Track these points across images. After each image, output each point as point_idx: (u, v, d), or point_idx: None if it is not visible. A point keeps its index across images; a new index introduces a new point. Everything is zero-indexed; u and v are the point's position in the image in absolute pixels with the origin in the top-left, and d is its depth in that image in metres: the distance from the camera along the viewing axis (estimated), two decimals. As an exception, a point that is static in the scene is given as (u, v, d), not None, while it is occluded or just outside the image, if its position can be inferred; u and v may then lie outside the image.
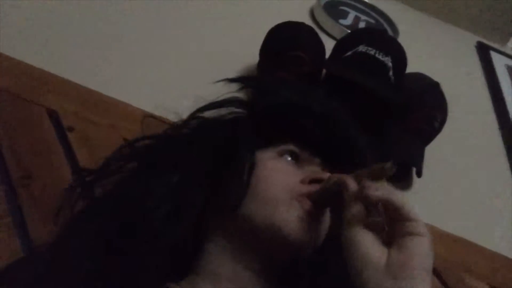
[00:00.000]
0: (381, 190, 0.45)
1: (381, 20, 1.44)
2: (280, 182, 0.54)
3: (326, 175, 0.54)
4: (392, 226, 0.44)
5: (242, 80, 0.69)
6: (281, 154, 0.59)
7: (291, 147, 0.59)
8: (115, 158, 0.61)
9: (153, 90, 0.92)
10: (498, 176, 1.11)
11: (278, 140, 0.60)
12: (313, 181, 0.55)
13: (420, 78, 1.03)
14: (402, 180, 0.96)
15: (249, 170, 0.55)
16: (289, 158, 0.59)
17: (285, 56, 0.94)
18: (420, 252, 0.42)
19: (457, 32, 1.67)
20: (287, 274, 0.56)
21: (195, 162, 0.57)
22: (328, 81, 0.99)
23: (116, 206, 0.55)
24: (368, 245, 0.44)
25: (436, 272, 0.82)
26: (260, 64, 1.00)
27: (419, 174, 0.91)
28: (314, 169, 0.58)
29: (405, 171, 0.97)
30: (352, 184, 0.47)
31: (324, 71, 1.00)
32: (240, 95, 0.66)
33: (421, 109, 0.95)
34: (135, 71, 0.95)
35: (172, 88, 0.94)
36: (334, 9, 1.38)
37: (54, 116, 0.79)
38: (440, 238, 0.88)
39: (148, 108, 0.86)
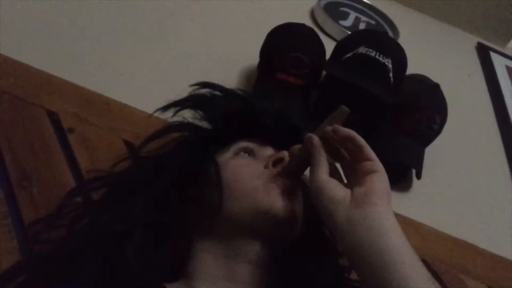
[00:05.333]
0: (346, 129, 0.51)
1: (382, 21, 1.44)
2: (248, 174, 0.57)
3: (284, 153, 0.59)
4: (354, 168, 0.50)
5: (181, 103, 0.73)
6: (236, 153, 0.63)
7: (243, 144, 0.64)
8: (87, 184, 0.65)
9: (154, 92, 0.92)
10: (497, 177, 1.11)
11: (228, 141, 0.65)
12: (275, 162, 0.59)
13: (420, 79, 1.03)
14: (402, 181, 0.96)
15: (216, 172, 0.58)
16: (246, 154, 0.63)
17: (285, 57, 0.94)
18: (379, 183, 0.47)
19: (457, 33, 1.67)
20: (281, 261, 0.57)
21: (166, 181, 0.59)
22: (328, 82, 1.00)
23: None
24: (333, 188, 0.48)
25: (434, 274, 0.82)
26: (260, 65, 1.00)
27: (418, 176, 0.91)
28: (270, 154, 0.62)
29: (404, 172, 0.97)
30: (315, 137, 0.52)
31: (324, 72, 1.01)
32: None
33: (420, 111, 0.95)
34: (136, 73, 0.95)
35: (172, 90, 0.94)
36: (334, 10, 1.38)
37: (54, 118, 0.79)
38: (439, 239, 0.88)
39: (149, 109, 0.86)
